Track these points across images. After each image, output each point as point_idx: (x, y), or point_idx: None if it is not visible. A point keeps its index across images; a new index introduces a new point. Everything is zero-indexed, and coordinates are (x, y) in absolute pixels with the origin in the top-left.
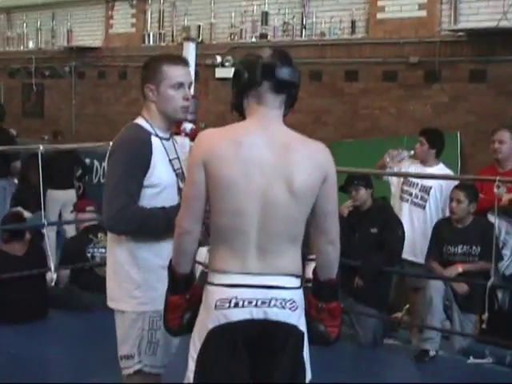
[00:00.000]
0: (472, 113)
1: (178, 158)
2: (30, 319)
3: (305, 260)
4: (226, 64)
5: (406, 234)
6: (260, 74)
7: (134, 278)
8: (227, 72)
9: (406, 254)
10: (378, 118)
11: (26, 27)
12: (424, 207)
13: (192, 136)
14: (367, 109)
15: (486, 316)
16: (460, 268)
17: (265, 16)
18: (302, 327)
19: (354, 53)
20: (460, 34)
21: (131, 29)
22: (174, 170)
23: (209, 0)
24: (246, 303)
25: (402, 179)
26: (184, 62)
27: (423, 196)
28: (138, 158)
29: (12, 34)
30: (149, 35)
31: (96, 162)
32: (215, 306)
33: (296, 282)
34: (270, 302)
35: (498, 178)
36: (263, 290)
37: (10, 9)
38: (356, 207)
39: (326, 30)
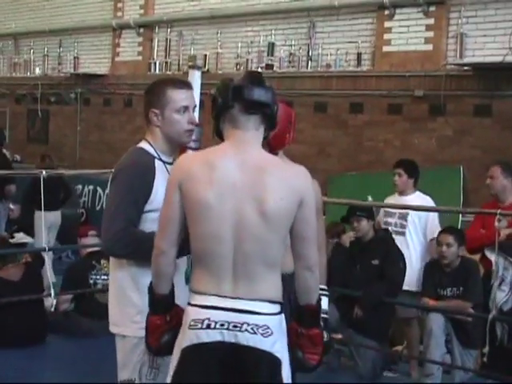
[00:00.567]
0: (476, 147)
1: None
2: (28, 344)
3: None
4: None
5: None
6: (231, 96)
7: (136, 302)
8: None
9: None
10: (383, 151)
11: (32, 53)
12: (404, 234)
13: None
14: (371, 141)
15: (486, 350)
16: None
17: (271, 47)
18: (279, 354)
19: (359, 85)
20: (465, 68)
21: (137, 57)
22: None
23: (215, 30)
24: (218, 325)
25: (383, 213)
26: (188, 86)
27: (402, 223)
28: (140, 182)
29: (19, 60)
30: (155, 63)
31: (99, 189)
32: (189, 325)
33: (273, 308)
34: (241, 326)
35: (498, 211)
36: (236, 313)
37: (18, 35)
38: (358, 238)
39: (331, 61)
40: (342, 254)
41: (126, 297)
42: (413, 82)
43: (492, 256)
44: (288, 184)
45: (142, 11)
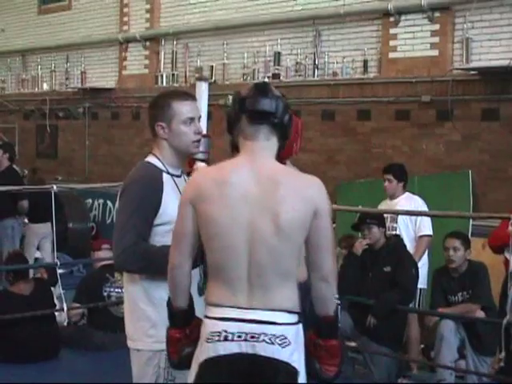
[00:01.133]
0: (484, 151)
1: None
2: (41, 358)
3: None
4: None
5: None
6: (238, 108)
7: (149, 316)
8: None
9: None
10: (391, 157)
11: (40, 69)
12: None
13: None
14: (380, 148)
15: (502, 355)
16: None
17: (277, 56)
18: (296, 364)
19: (366, 92)
20: (472, 72)
21: (144, 70)
22: None
23: (221, 41)
24: (235, 337)
25: None
26: (192, 97)
27: (393, 226)
28: (149, 197)
29: (27, 76)
30: (162, 76)
31: (109, 203)
32: (206, 338)
33: (289, 318)
34: (259, 336)
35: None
36: (253, 324)
37: (25, 51)
38: (369, 246)
39: (338, 69)
40: (354, 262)
41: (140, 310)
42: (420, 87)
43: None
44: (301, 194)
45: (147, 24)
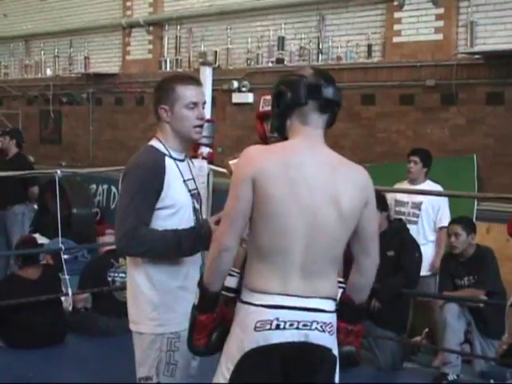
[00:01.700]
0: (489, 135)
1: (193, 178)
2: (47, 343)
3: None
4: (243, 89)
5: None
6: (306, 93)
7: (152, 299)
8: (244, 97)
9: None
10: (396, 142)
11: (43, 55)
12: (416, 223)
13: (209, 160)
14: (384, 132)
15: (505, 337)
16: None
17: (281, 41)
18: (336, 351)
19: (370, 77)
20: (477, 56)
21: (148, 55)
22: (189, 191)
23: (225, 26)
24: (287, 325)
25: (393, 202)
26: (196, 82)
27: (415, 212)
28: (151, 181)
29: (30, 61)
30: (165, 61)
31: (113, 188)
32: (255, 327)
33: (333, 306)
34: (311, 324)
35: None
36: (305, 312)
37: (28, 37)
38: None
39: (342, 54)
40: None
41: (142, 294)
42: (424, 71)
43: None
44: (356, 183)
45: (151, 9)
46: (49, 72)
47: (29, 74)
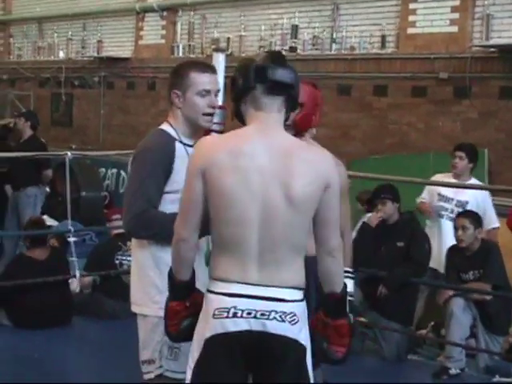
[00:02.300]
0: (501, 130)
1: None
2: (53, 324)
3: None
4: None
5: (442, 249)
6: (253, 77)
7: (156, 282)
8: None
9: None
10: (407, 134)
11: (56, 37)
12: None
13: None
14: (395, 124)
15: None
16: (450, 292)
17: (294, 29)
18: (304, 341)
19: (383, 67)
20: (491, 50)
21: (161, 40)
22: None
23: (239, 13)
24: (244, 314)
25: (436, 197)
26: (211, 69)
27: (459, 211)
28: (160, 164)
29: (43, 43)
30: (178, 47)
31: (123, 172)
32: (213, 314)
33: (298, 295)
34: (269, 314)
35: None
36: (263, 301)
37: (41, 19)
38: (382, 220)
39: (355, 44)
40: (367, 234)
41: (147, 276)
42: (437, 64)
43: None
44: (314, 168)
45: None
46: (61, 55)
47: (41, 56)
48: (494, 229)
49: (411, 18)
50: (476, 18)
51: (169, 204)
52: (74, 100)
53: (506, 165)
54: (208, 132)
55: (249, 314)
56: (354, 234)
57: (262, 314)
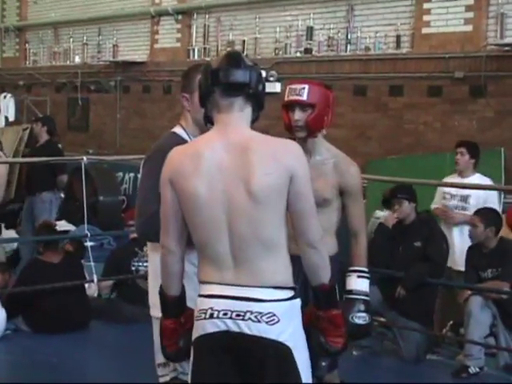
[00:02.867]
0: None
1: None
2: (71, 329)
3: (345, 271)
4: (271, 79)
5: (457, 246)
6: (210, 81)
7: None
8: (272, 87)
9: (459, 266)
10: (423, 133)
11: (72, 42)
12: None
13: None
14: (411, 124)
15: None
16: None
17: (309, 31)
18: (289, 342)
19: (398, 67)
20: (506, 48)
21: (176, 43)
22: None
23: (253, 15)
24: (220, 314)
25: (442, 196)
26: None
27: (463, 206)
28: None
29: (59, 48)
30: (193, 50)
31: (139, 176)
32: (196, 316)
33: (278, 294)
34: (244, 314)
35: None
36: (239, 301)
37: (57, 24)
38: (399, 221)
39: (370, 44)
40: (384, 234)
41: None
42: (453, 63)
43: None
44: (275, 160)
45: None
46: (77, 59)
47: (57, 61)
48: None
49: (426, 17)
50: (490, 16)
51: None
52: (90, 104)
53: None
54: None
55: (225, 314)
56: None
57: (238, 315)
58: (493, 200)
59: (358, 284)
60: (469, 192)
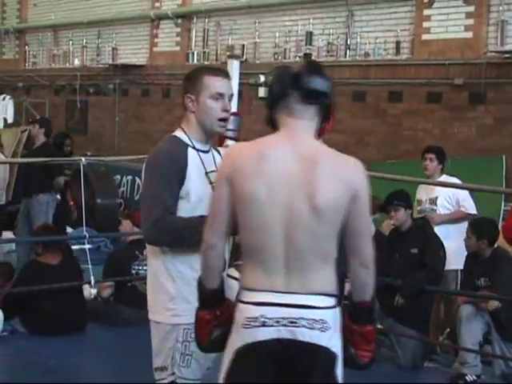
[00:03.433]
0: None
1: (216, 170)
2: (68, 331)
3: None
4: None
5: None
6: (288, 84)
7: (169, 290)
8: None
9: (449, 265)
10: (422, 140)
11: (71, 45)
12: None
13: None
14: (411, 130)
15: None
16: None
17: (309, 36)
18: (335, 348)
19: (398, 73)
20: (506, 55)
21: (175, 47)
22: (211, 183)
23: (253, 20)
24: (273, 322)
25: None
26: (225, 74)
27: (432, 208)
28: (173, 169)
29: (58, 51)
30: (193, 54)
31: (137, 179)
32: (242, 324)
33: (329, 302)
34: (298, 321)
35: None
36: (292, 309)
37: (57, 27)
38: (395, 228)
39: (370, 50)
40: (381, 242)
41: (160, 284)
42: (452, 70)
43: None
44: (341, 177)
45: (179, 1)
46: (76, 62)
47: (57, 63)
48: (470, 215)
49: (426, 24)
50: (491, 23)
51: (182, 212)
52: (89, 107)
53: None
54: (223, 139)
55: (277, 322)
56: None
57: (291, 322)
58: (464, 197)
59: None
60: (436, 194)
